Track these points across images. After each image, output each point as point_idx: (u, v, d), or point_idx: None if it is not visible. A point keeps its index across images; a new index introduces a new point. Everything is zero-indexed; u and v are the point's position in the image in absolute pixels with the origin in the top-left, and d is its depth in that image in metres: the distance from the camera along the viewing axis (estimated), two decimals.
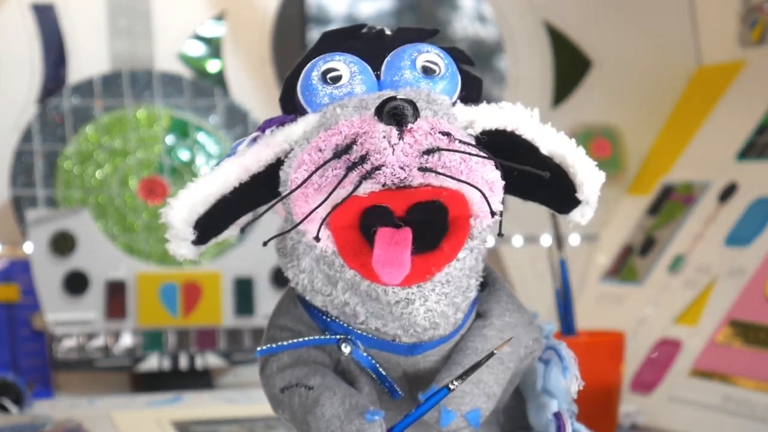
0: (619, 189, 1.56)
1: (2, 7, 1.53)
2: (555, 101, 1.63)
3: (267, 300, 1.45)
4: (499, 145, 0.65)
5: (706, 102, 1.53)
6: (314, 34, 1.79)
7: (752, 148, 1.39)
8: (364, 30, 0.69)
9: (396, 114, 0.60)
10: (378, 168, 0.60)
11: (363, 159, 0.60)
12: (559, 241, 1.12)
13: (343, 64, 0.66)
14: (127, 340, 1.42)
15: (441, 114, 0.63)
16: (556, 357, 0.71)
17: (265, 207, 0.65)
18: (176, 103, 1.54)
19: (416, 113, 0.60)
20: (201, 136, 1.53)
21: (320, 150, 0.61)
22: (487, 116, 0.66)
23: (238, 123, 1.55)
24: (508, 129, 0.65)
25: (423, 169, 0.60)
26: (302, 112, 0.67)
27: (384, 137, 0.60)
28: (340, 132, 0.61)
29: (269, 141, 0.65)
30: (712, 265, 1.31)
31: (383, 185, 0.60)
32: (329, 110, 0.64)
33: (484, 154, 0.62)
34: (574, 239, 1.55)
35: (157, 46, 1.58)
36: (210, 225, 0.65)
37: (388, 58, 0.67)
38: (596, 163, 0.65)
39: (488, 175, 0.62)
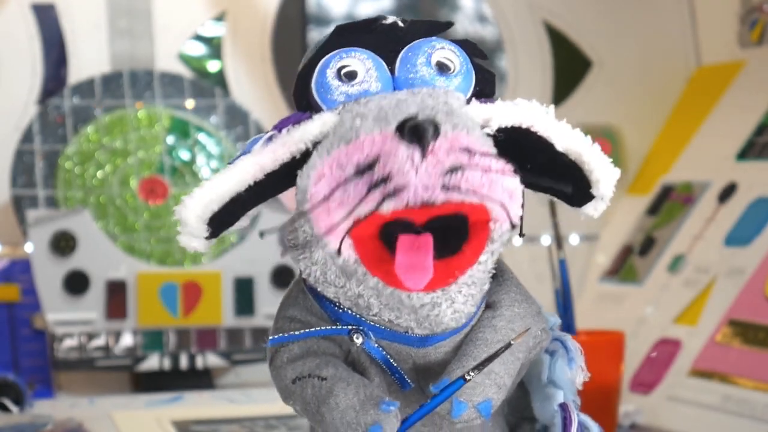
0: (619, 189, 1.55)
1: (2, 7, 1.53)
2: (555, 101, 1.63)
3: (267, 300, 1.46)
4: (515, 142, 0.65)
5: (705, 102, 1.53)
6: (314, 34, 1.79)
7: (752, 148, 1.40)
8: (378, 23, 0.68)
9: (417, 133, 0.60)
10: (401, 189, 0.60)
11: (385, 179, 0.60)
12: (559, 241, 1.12)
13: (357, 60, 0.66)
14: (127, 340, 1.43)
15: (461, 126, 0.62)
16: (562, 348, 0.72)
17: (290, 221, 0.65)
18: (177, 103, 1.54)
19: (437, 132, 0.60)
20: (202, 137, 1.53)
21: (342, 166, 0.61)
22: (503, 114, 0.66)
23: (238, 123, 1.55)
24: (524, 126, 0.66)
25: (446, 188, 0.61)
26: (317, 109, 0.67)
27: (407, 158, 0.60)
28: (362, 150, 0.61)
29: (285, 140, 0.65)
30: (711, 265, 1.31)
31: (406, 204, 0.61)
32: (347, 119, 0.64)
33: (504, 168, 0.62)
34: (573, 239, 1.55)
35: (158, 47, 1.58)
36: (222, 219, 0.65)
37: (402, 54, 0.67)
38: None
39: (508, 184, 0.63)
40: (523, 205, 0.64)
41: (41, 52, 1.54)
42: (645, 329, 1.33)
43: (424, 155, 0.60)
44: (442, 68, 0.67)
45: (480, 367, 0.63)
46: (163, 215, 1.48)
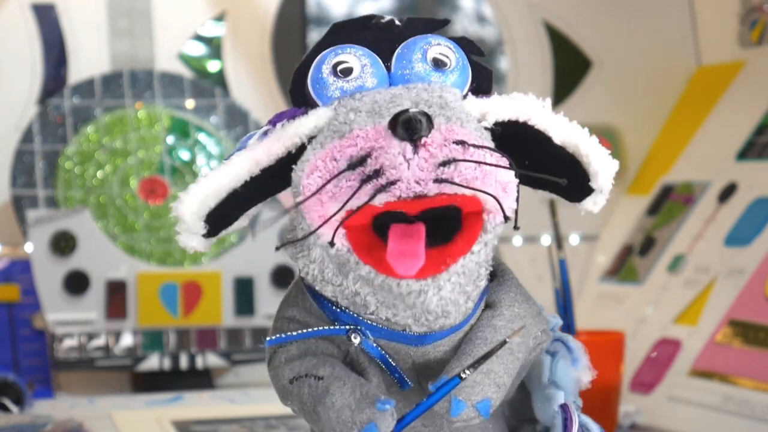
0: (619, 189, 1.57)
1: (2, 7, 1.53)
2: (555, 101, 1.63)
3: (267, 300, 1.46)
4: (512, 136, 0.65)
5: (705, 102, 1.53)
6: (314, 35, 1.79)
7: (752, 148, 1.40)
8: (374, 21, 0.69)
9: (410, 127, 0.60)
10: (393, 183, 0.61)
11: (378, 173, 0.61)
12: (559, 241, 1.12)
13: (353, 56, 0.67)
14: (127, 340, 1.43)
15: (454, 119, 0.63)
16: (564, 349, 0.71)
17: (279, 212, 0.65)
18: (176, 103, 1.54)
19: (430, 125, 0.61)
20: (201, 137, 1.53)
21: (335, 159, 0.62)
22: (500, 107, 0.66)
23: (238, 123, 1.55)
24: (521, 119, 0.66)
25: (439, 181, 0.61)
26: (312, 105, 0.67)
27: (399, 152, 0.61)
28: (356, 144, 0.62)
29: (280, 135, 0.65)
30: (711, 265, 1.31)
31: (398, 197, 0.61)
32: (341, 113, 0.64)
33: (498, 161, 0.63)
34: (573, 239, 1.55)
35: (158, 47, 1.58)
36: (220, 218, 0.65)
37: (398, 50, 0.67)
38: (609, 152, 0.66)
39: (502, 176, 0.63)
40: (517, 199, 0.64)
41: (41, 52, 1.54)
42: (645, 329, 1.33)
43: (416, 149, 0.61)
44: (438, 64, 0.67)
45: (476, 365, 0.63)
46: (163, 215, 1.48)
